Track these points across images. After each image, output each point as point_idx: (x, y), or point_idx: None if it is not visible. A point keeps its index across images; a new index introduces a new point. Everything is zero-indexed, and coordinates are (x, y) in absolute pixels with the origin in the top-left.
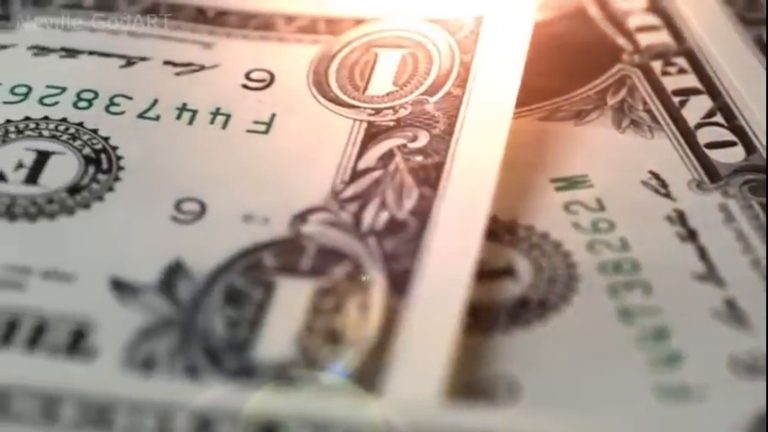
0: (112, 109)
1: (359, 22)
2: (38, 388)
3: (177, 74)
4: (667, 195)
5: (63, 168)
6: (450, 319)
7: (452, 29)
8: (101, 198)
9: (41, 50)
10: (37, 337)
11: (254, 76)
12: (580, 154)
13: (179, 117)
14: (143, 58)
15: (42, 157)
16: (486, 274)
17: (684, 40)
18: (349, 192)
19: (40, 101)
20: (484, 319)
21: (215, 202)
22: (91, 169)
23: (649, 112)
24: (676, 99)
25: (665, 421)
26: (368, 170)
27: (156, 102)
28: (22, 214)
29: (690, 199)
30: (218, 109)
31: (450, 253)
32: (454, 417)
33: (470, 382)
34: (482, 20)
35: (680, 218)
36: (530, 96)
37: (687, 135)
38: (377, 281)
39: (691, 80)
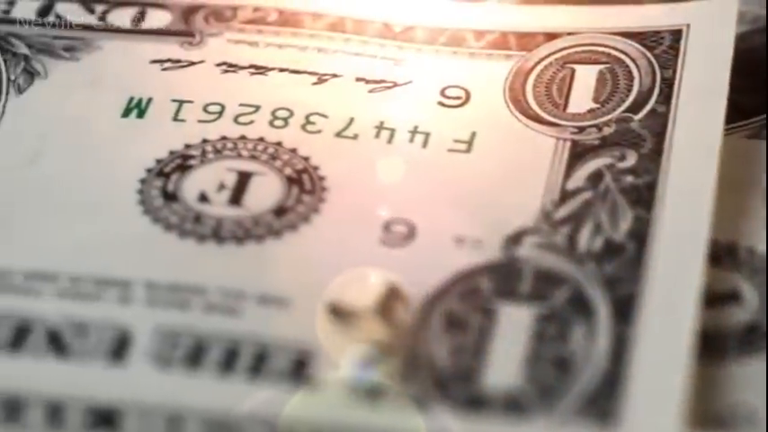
0: (309, 128)
1: (551, 36)
2: (267, 416)
3: (370, 91)
4: None
5: (266, 189)
6: (682, 347)
7: (650, 43)
8: (307, 220)
9: (230, 67)
10: (259, 366)
11: (449, 93)
12: None
13: (377, 135)
14: (334, 75)
15: (243, 178)
16: (711, 299)
17: None
18: (561, 213)
19: (235, 119)
20: (714, 346)
21: (424, 224)
22: (294, 190)
23: None
24: None
25: None
26: (577, 191)
27: (352, 120)
28: (230, 237)
29: None
30: (416, 127)
31: (673, 277)
32: None
33: (707, 411)
34: (681, 34)
35: None
36: (733, 114)
37: None
38: (600, 306)
39: None
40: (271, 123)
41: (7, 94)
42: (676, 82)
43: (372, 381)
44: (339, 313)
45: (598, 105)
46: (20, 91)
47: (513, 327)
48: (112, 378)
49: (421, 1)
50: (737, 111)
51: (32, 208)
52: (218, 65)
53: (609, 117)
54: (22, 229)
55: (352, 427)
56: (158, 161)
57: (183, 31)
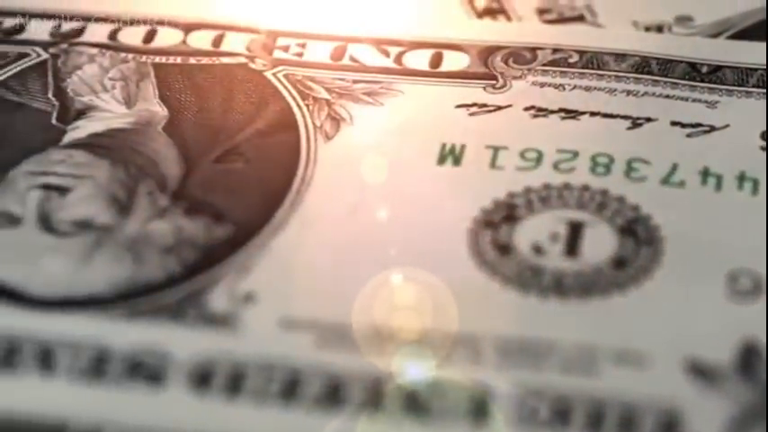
0: (633, 174)
1: None
2: None
3: (688, 135)
4: None
5: (600, 240)
6: None
7: None
8: (649, 272)
9: (540, 111)
10: (626, 428)
11: None
12: None
13: (704, 183)
14: (648, 119)
15: (576, 228)
16: None
17: None
18: None
19: (555, 166)
20: None
21: None
22: (629, 241)
23: None
24: None
25: None
26: None
27: (676, 166)
28: (573, 291)
29: None
30: (742, 173)
31: None
32: None
33: None
34: None
35: None
36: None
37: None
38: None
39: None
40: (592, 170)
41: (315, 141)
42: None
43: None
44: (700, 372)
45: None
46: (328, 138)
47: None
48: None
49: (724, 42)
50: None
51: (356, 260)
52: (527, 109)
53: None
54: (349, 283)
55: None
56: (483, 211)
57: (485, 74)
